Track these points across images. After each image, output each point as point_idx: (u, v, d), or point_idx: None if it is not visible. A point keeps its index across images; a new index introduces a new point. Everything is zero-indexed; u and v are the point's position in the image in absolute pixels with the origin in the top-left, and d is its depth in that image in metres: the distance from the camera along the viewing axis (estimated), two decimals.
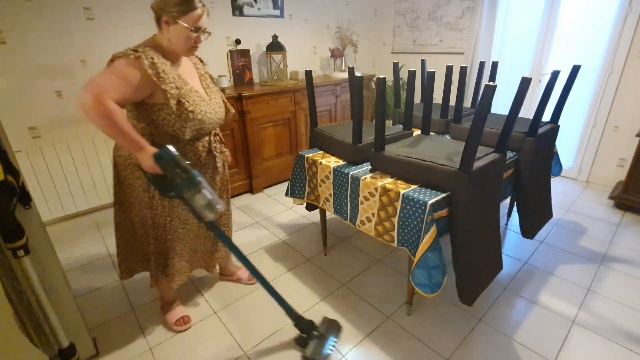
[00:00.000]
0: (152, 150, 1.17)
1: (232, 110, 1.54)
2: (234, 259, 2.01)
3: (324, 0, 3.62)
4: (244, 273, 1.93)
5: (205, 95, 1.39)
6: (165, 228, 1.46)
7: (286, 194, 2.00)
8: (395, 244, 1.49)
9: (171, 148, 1.18)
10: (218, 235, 1.32)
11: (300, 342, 1.47)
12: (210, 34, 1.32)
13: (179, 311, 1.66)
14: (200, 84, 1.41)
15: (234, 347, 1.53)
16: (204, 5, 1.24)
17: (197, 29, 1.24)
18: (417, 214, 1.37)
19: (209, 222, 1.25)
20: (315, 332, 1.48)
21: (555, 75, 1.74)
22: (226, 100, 1.52)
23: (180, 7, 1.18)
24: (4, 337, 1.03)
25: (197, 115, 1.29)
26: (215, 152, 1.47)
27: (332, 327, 1.54)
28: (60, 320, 1.26)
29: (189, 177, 1.18)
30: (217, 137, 1.50)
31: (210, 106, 1.37)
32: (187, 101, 1.26)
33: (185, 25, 1.20)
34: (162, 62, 1.22)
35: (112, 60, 1.18)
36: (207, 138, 1.43)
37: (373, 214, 1.56)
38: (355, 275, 1.97)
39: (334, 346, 1.49)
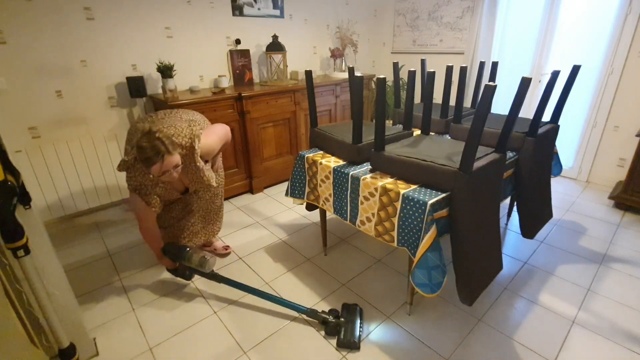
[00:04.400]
0: (166, 259, 1.78)
1: (213, 184, 1.82)
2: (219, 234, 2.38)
3: (324, 0, 3.62)
4: (219, 244, 2.22)
5: (187, 185, 1.78)
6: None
7: (286, 194, 2.00)
8: (395, 244, 1.49)
9: (169, 246, 1.77)
10: (221, 281, 1.76)
11: (330, 331, 1.57)
12: (180, 165, 1.54)
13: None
14: (187, 179, 1.74)
15: (234, 347, 1.53)
16: (163, 156, 1.44)
17: (163, 174, 1.49)
18: (417, 214, 1.37)
19: (209, 273, 1.73)
20: (341, 319, 1.60)
21: (555, 75, 1.74)
22: (207, 179, 1.74)
23: (143, 163, 1.46)
24: (4, 337, 1.03)
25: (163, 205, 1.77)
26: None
27: (355, 311, 1.66)
28: (60, 320, 1.26)
29: (183, 256, 1.73)
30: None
31: (179, 195, 1.82)
32: (163, 201, 1.73)
33: (152, 174, 1.49)
34: (152, 186, 1.63)
35: (129, 190, 1.63)
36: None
37: (373, 214, 1.56)
38: (355, 275, 1.97)
39: (362, 327, 1.60)
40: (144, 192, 1.62)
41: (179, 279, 1.93)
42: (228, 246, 2.20)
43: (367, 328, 1.61)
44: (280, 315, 1.69)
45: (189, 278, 1.84)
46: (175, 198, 1.85)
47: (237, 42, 3.06)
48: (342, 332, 1.54)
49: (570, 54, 3.04)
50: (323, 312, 1.62)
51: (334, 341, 1.54)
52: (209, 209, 2.02)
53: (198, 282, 1.93)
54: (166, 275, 1.99)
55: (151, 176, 1.54)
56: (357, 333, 1.55)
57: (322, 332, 1.59)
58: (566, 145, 3.20)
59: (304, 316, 1.66)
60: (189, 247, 1.74)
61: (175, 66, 2.64)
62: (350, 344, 1.50)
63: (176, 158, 1.50)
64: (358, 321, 1.61)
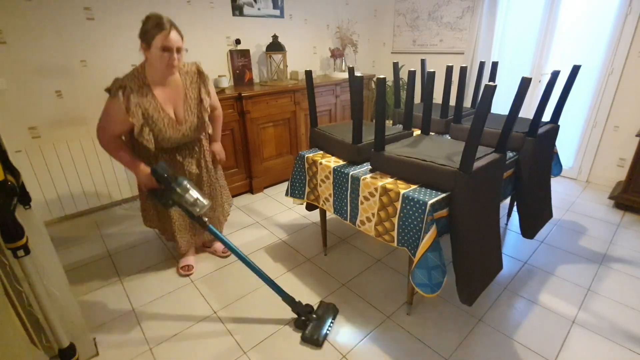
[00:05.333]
0: (146, 168, 1.53)
1: (210, 130, 1.75)
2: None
3: (324, 0, 3.62)
4: (220, 246, 2.16)
5: (182, 117, 1.61)
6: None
7: (286, 194, 2.00)
8: (395, 244, 1.50)
9: (162, 164, 1.45)
10: (207, 228, 1.51)
11: (299, 325, 1.60)
12: (186, 50, 1.51)
13: (186, 260, 2.03)
14: (182, 106, 1.61)
15: (234, 347, 1.53)
16: (170, 28, 1.41)
17: (167, 49, 1.43)
18: (417, 214, 1.37)
19: (197, 216, 1.47)
20: (313, 315, 1.60)
21: (555, 75, 1.74)
22: (206, 121, 1.70)
23: (149, 34, 1.41)
24: (4, 337, 1.03)
25: (151, 142, 1.55)
26: (179, 159, 1.73)
27: (329, 310, 1.67)
28: (60, 320, 1.26)
29: (177, 182, 1.42)
30: (186, 150, 1.75)
31: (179, 131, 1.62)
32: (152, 129, 1.54)
33: (156, 47, 1.41)
34: (139, 94, 1.48)
35: (108, 90, 1.47)
36: (175, 149, 1.71)
37: (373, 214, 1.56)
38: (355, 275, 1.97)
39: (331, 327, 1.61)
40: (127, 92, 1.44)
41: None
42: None
43: (364, 330, 1.61)
44: (280, 316, 1.69)
45: (168, 207, 1.52)
46: (163, 141, 1.59)
47: (237, 42, 3.06)
48: (309, 328, 1.55)
49: (570, 54, 3.04)
50: (300, 303, 1.61)
51: (333, 341, 1.54)
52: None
53: (198, 282, 1.93)
54: (165, 274, 1.99)
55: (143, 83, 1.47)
56: (324, 331, 1.55)
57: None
58: (566, 145, 3.20)
59: (281, 299, 1.62)
60: (187, 180, 1.46)
61: None
62: (312, 341, 1.51)
63: (181, 41, 1.46)
64: (329, 320, 1.61)
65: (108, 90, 1.48)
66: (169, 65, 1.46)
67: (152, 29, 1.39)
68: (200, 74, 1.64)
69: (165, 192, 1.45)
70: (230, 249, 1.51)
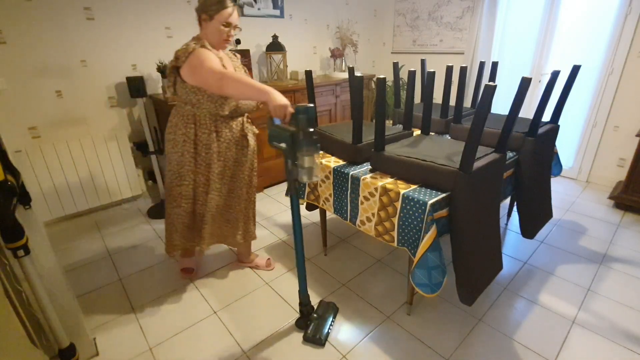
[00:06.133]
0: (282, 97, 1.32)
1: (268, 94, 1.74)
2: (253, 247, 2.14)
3: (324, 0, 3.62)
4: (261, 260, 2.05)
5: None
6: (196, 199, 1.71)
7: (286, 194, 2.00)
8: (395, 244, 1.50)
9: (313, 109, 1.23)
10: (293, 199, 1.42)
11: (300, 325, 1.60)
12: (240, 29, 1.58)
13: (187, 262, 2.00)
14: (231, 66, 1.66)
15: (234, 347, 1.53)
16: (234, 5, 1.51)
17: (228, 24, 1.51)
18: (417, 214, 1.37)
19: (296, 179, 1.32)
20: (314, 315, 1.60)
21: (555, 75, 1.74)
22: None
23: (214, 7, 1.47)
24: (4, 337, 1.03)
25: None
26: (246, 131, 1.70)
27: (330, 309, 1.67)
28: (60, 320, 1.26)
29: (313, 140, 1.23)
30: (249, 120, 1.75)
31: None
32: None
33: (218, 21, 1.48)
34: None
35: (190, 52, 1.46)
36: (240, 119, 1.68)
37: (373, 214, 1.56)
38: (355, 275, 1.97)
39: (332, 325, 1.62)
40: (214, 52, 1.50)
41: None
42: (270, 259, 2.05)
43: (364, 330, 1.61)
44: (280, 315, 1.69)
45: (270, 145, 1.34)
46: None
47: (237, 42, 3.06)
48: (310, 328, 1.56)
49: (570, 54, 3.04)
50: (309, 303, 1.59)
51: (334, 341, 1.54)
52: (224, 207, 1.77)
53: (198, 282, 1.93)
54: (165, 274, 1.99)
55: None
56: (326, 330, 1.56)
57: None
58: (566, 145, 3.20)
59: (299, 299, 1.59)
60: (319, 145, 1.28)
61: None
62: (315, 340, 1.52)
63: (238, 20, 1.55)
64: (330, 319, 1.62)
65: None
66: (226, 39, 1.55)
67: (216, 4, 1.47)
68: (236, 56, 1.77)
69: (289, 134, 1.23)
70: (296, 216, 1.45)
